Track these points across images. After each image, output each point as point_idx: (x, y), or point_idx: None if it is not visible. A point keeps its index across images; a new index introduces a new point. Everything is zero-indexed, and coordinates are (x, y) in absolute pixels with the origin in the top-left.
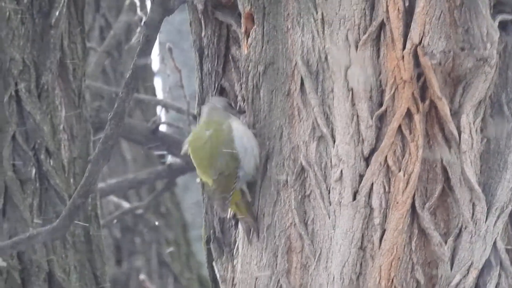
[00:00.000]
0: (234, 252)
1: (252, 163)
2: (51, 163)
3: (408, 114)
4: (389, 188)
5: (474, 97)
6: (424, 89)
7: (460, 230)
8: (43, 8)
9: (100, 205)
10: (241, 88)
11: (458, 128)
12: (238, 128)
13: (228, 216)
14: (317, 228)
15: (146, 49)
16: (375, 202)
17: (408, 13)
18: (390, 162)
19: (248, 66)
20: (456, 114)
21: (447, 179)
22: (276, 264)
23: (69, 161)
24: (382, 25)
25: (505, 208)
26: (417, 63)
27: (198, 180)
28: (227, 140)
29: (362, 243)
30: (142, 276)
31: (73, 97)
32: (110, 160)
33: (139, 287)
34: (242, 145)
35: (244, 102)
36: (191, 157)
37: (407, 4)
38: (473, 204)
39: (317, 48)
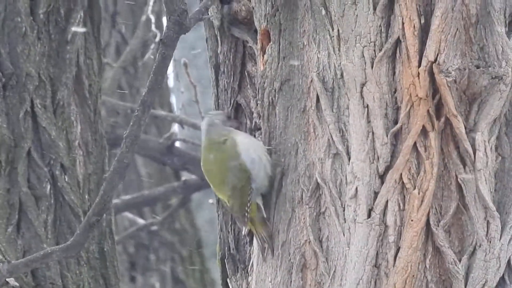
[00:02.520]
0: (249, 269)
1: (263, 173)
2: (66, 179)
3: (424, 132)
4: (404, 205)
5: (489, 115)
6: (439, 107)
7: (475, 248)
8: (59, 23)
9: (115, 221)
10: (257, 105)
11: (473, 146)
12: (243, 141)
13: (243, 233)
14: (332, 246)
15: (162, 67)
16: (390, 220)
17: (424, 31)
18: (405, 180)
19: (264, 83)
20: (471, 132)
21: (461, 197)
22: (291, 282)
23: (84, 177)
24: (397, 42)
25: None
26: (432, 81)
27: (211, 201)
28: (233, 156)
29: (376, 260)
30: None
31: (89, 113)
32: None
33: None
34: (249, 156)
35: (259, 119)
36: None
37: (422, 21)
38: (488, 222)
39: (333, 64)
